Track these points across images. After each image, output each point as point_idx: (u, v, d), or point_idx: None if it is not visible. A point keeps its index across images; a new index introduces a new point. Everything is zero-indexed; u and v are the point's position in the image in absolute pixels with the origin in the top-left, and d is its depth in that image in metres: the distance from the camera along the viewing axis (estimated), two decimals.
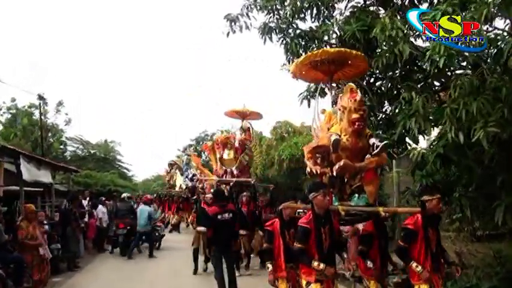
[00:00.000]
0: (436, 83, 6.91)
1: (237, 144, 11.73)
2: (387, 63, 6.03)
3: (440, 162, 6.21)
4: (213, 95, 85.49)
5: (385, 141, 5.52)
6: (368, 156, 5.46)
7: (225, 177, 11.62)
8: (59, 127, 28.52)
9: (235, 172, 11.55)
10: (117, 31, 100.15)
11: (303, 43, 7.65)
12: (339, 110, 5.54)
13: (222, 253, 7.86)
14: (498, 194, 5.89)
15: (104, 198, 15.33)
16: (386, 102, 7.51)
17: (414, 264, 4.87)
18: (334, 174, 5.39)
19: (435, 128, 6.25)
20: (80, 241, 11.92)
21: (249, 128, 12.01)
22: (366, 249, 5.81)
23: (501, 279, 7.82)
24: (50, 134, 27.18)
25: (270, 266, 5.81)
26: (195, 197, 11.14)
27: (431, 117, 5.85)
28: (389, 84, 7.06)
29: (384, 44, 6.13)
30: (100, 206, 14.50)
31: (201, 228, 9.85)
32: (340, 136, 5.33)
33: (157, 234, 14.96)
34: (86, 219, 13.09)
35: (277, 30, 7.76)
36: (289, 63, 7.89)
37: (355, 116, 5.22)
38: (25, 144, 23.74)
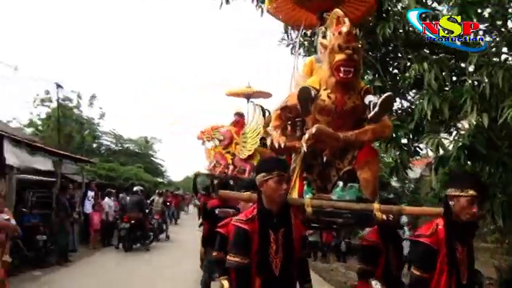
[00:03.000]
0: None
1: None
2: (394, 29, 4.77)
3: (465, 157, 4.80)
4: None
5: (388, 93, 3.41)
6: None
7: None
8: (93, 120, 28.43)
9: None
10: None
11: None
12: (320, 52, 3.71)
13: None
14: None
15: (114, 191, 14.63)
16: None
17: None
18: (305, 149, 3.44)
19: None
20: (70, 234, 11.09)
21: (242, 114, 10.35)
22: (369, 269, 4.12)
23: None
24: (83, 127, 27.06)
25: (226, 283, 3.91)
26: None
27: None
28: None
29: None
30: (106, 199, 13.80)
31: None
32: (318, 91, 3.45)
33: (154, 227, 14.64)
34: (80, 210, 12.32)
35: None
36: (288, 37, 6.85)
37: (339, 57, 3.24)
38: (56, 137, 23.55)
